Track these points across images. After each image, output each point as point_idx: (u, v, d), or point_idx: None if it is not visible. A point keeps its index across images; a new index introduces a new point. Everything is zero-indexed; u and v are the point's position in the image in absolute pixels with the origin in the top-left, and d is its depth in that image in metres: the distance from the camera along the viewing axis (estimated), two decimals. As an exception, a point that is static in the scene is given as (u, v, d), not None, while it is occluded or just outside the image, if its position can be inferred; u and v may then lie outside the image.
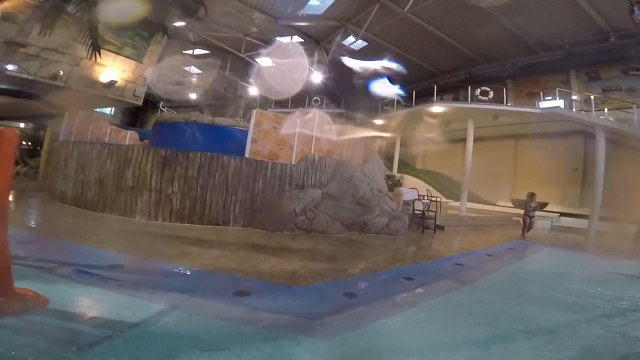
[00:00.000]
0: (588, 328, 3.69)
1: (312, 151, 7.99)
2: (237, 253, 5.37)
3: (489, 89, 16.60)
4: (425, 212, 9.94)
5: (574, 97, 16.30)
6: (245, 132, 7.54)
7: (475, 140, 17.43)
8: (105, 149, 7.47)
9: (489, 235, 10.99)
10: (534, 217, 10.34)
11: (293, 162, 7.69)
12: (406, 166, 24.73)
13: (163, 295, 3.46)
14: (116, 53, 12.60)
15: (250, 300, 3.62)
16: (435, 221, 9.80)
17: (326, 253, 5.87)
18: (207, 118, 9.05)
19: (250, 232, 6.85)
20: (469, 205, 17.19)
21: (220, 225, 7.04)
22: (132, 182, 7.11)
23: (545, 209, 16.15)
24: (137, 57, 13.10)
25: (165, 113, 11.89)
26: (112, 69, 12.76)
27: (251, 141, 7.40)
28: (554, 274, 6.27)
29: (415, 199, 10.42)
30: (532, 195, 10.59)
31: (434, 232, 9.69)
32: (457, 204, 18.23)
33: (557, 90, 16.13)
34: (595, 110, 14.88)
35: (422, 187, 17.59)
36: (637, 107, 13.79)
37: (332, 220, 7.59)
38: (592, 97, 14.88)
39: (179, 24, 15.55)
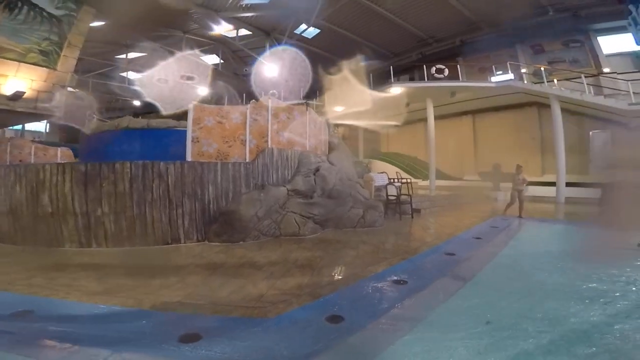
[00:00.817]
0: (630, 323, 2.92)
1: (270, 145, 6.84)
2: (186, 279, 4.16)
3: (444, 67, 16.18)
4: (400, 196, 9.14)
5: (523, 70, 16.22)
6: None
7: (436, 118, 17.05)
8: (10, 172, 5.89)
9: (465, 213, 10.41)
10: (523, 190, 9.32)
11: (247, 160, 6.50)
12: (372, 150, 24.14)
13: (76, 352, 2.31)
14: (19, 61, 10.59)
15: (201, 347, 2.59)
16: (411, 205, 9.01)
17: (299, 262, 4.80)
18: (140, 122, 7.61)
19: (205, 247, 5.64)
20: (437, 183, 16.83)
21: (169, 244, 5.76)
22: (51, 207, 5.64)
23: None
24: (48, 63, 11.14)
25: (92, 122, 10.17)
26: (16, 79, 10.73)
27: (192, 141, 6.14)
28: (557, 255, 5.60)
29: (387, 184, 9.59)
30: (519, 168, 9.41)
31: (412, 217, 8.92)
32: (425, 183, 17.86)
33: (508, 64, 16.05)
34: (547, 82, 14.83)
35: (391, 170, 16.97)
36: (585, 77, 13.93)
37: (303, 220, 6.53)
38: (542, 68, 14.84)
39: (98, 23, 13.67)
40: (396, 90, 16.35)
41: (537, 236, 7.14)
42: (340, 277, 4.23)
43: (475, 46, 19.66)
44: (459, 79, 18.00)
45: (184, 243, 5.80)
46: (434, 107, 16.85)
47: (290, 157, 7.16)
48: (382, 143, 25.72)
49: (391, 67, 16.84)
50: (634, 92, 12.97)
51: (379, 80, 17.55)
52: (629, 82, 12.93)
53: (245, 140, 6.55)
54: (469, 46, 19.76)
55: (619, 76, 14.23)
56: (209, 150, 6.24)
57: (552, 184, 15.58)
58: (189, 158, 6.08)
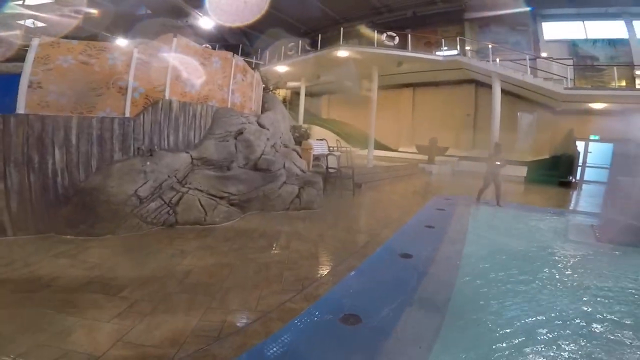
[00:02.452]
0: None
1: (168, 95, 4.58)
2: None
3: (395, 35, 14.57)
4: (341, 169, 7.58)
5: (468, 48, 15.33)
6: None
7: (378, 88, 15.68)
8: None
9: (407, 189, 9.31)
10: (499, 174, 7.31)
11: (128, 114, 4.21)
12: (312, 116, 22.27)
13: None
14: None
15: None
16: (353, 180, 7.51)
17: (190, 280, 2.92)
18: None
19: (46, 244, 3.43)
20: (375, 153, 15.78)
21: (-13, 237, 3.44)
22: None
23: (446, 154, 15.55)
24: None
25: None
26: None
27: (29, 86, 3.67)
28: (540, 246, 4.57)
29: (328, 154, 7.94)
30: (498, 147, 7.58)
31: (353, 193, 7.45)
32: (363, 152, 16.75)
33: (458, 39, 15.01)
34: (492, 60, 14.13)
35: (331, 137, 15.41)
36: (530, 59, 13.48)
37: (213, 202, 4.56)
38: (490, 45, 14.03)
39: None
40: (343, 53, 14.42)
41: (488, 221, 6.15)
42: (256, 312, 2.47)
43: (426, 20, 18.58)
44: (408, 49, 16.72)
45: (13, 236, 3.52)
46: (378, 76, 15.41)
47: (200, 113, 4.99)
48: (323, 109, 23.94)
49: (341, 28, 14.70)
50: (571, 78, 12.85)
51: (327, 44, 15.38)
52: (568, 67, 12.76)
53: (127, 88, 4.20)
54: (419, 19, 18.57)
55: (553, 62, 14.06)
56: (60, 101, 3.80)
57: (480, 159, 15.52)
58: (20, 110, 3.61)
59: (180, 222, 4.22)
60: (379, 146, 18.05)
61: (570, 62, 13.54)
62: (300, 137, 9.39)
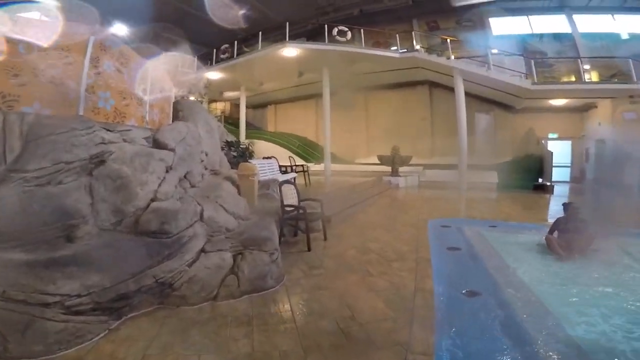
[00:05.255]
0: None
1: None
2: None
3: (346, 29, 12.56)
4: (303, 204, 4.97)
5: (418, 47, 13.82)
6: None
7: (330, 94, 13.59)
8: None
9: (388, 216, 6.99)
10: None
11: None
12: (256, 130, 19.52)
13: None
14: None
15: None
16: (323, 218, 4.92)
17: None
18: None
19: None
20: (332, 167, 13.52)
21: None
22: None
23: (410, 164, 13.68)
24: None
25: None
26: None
27: None
28: None
29: (282, 182, 5.25)
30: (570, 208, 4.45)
31: (325, 237, 4.86)
32: (318, 167, 14.40)
33: (413, 34, 13.44)
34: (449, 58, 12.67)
35: (281, 153, 12.76)
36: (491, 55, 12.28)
37: (19, 317, 1.71)
38: (448, 40, 12.60)
39: None
40: (290, 52, 12.04)
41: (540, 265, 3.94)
42: None
43: (374, 18, 17.03)
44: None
45: None
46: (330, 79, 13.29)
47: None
48: (269, 121, 21.27)
49: (287, 24, 12.30)
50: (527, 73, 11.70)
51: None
52: (532, 62, 11.66)
53: None
54: (367, 18, 17.01)
55: (506, 58, 12.98)
56: None
57: (442, 166, 14.01)
58: None
59: None
60: (334, 159, 15.88)
61: (527, 57, 12.54)
62: (240, 158, 6.63)
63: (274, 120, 20.99)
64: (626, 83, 10.65)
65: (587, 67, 12.96)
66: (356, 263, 3.93)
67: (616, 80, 11.19)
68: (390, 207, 8.23)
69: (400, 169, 13.20)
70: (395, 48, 12.96)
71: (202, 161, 4.60)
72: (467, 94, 12.14)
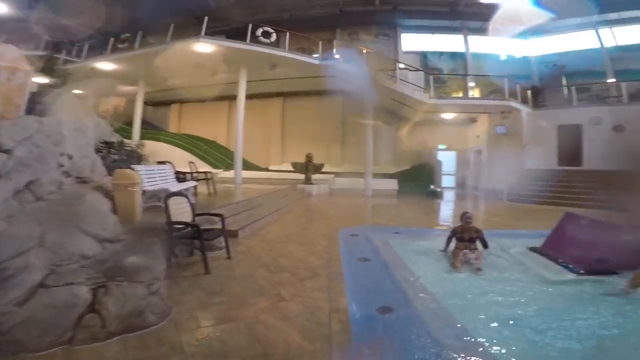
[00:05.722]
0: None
1: None
2: None
3: (272, 31, 12.07)
4: (193, 224, 4.27)
5: (336, 56, 14.18)
6: None
7: (245, 96, 12.87)
8: None
9: (302, 227, 6.70)
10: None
11: None
12: (155, 131, 17.43)
13: None
14: None
15: None
16: (225, 235, 4.31)
17: None
18: None
19: None
20: (243, 174, 12.78)
21: None
22: None
23: (323, 171, 13.81)
24: None
25: None
26: None
27: None
28: None
29: (170, 193, 4.42)
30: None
31: (229, 256, 4.24)
32: (228, 174, 13.50)
33: (335, 42, 13.60)
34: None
35: (182, 157, 11.52)
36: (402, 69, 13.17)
37: None
38: (365, 51, 13.19)
39: None
40: (204, 47, 10.96)
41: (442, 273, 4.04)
42: None
43: (301, 24, 16.62)
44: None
45: None
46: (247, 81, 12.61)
47: None
48: (172, 121, 19.27)
49: (205, 18, 11.15)
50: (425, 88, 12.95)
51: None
52: (431, 77, 12.98)
53: None
54: (295, 23, 16.58)
55: (410, 73, 14.20)
56: None
57: (351, 174, 14.53)
58: None
59: None
60: (246, 165, 15.08)
61: (427, 72, 13.92)
62: (124, 162, 5.52)
63: (177, 120, 19.12)
64: (500, 100, 12.57)
65: (472, 84, 15.08)
66: (267, 285, 3.46)
67: (492, 97, 13.13)
68: (304, 217, 7.98)
69: (313, 177, 13.22)
70: (317, 55, 13.04)
71: (60, 166, 3.57)
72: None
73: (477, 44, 16.49)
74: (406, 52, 16.27)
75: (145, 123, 16.01)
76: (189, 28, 11.63)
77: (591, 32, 15.02)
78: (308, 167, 12.84)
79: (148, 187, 4.85)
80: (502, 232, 5.97)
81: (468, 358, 2.17)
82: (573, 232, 4.43)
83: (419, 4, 15.73)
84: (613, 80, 13.41)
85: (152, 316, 2.49)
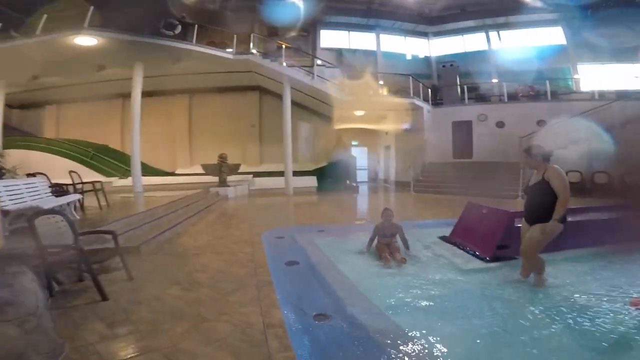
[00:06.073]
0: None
1: None
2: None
3: (177, 22, 10.81)
4: (75, 246, 3.42)
5: (254, 51, 13.59)
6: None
7: (144, 93, 11.45)
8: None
9: (218, 235, 6.10)
10: None
11: None
12: (24, 137, 14.36)
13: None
14: None
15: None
16: (120, 255, 3.55)
17: None
18: None
19: None
20: (145, 180, 11.40)
21: None
22: None
23: (238, 172, 13.09)
24: None
25: None
26: None
27: None
28: None
29: (37, 211, 3.43)
30: None
31: (130, 277, 3.51)
32: (126, 182, 11.94)
33: (252, 36, 12.78)
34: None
35: (63, 167, 9.60)
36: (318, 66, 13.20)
37: None
38: (284, 46, 12.80)
39: None
40: (87, 40, 9.21)
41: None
42: None
43: (218, 18, 15.34)
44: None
45: None
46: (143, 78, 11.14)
47: None
48: (48, 125, 16.09)
49: (91, 7, 9.28)
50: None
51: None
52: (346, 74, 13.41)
53: None
54: (211, 16, 15.21)
55: (326, 69, 14.40)
56: None
57: (271, 174, 14.24)
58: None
59: None
60: (149, 171, 13.46)
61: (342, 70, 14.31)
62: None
63: (55, 124, 16.05)
64: (405, 97, 13.61)
65: (381, 82, 16.06)
66: (183, 305, 2.93)
67: (398, 95, 14.19)
68: (220, 223, 7.34)
69: (229, 178, 12.43)
70: (231, 50, 12.22)
71: None
72: (292, 102, 12.68)
73: (388, 43, 17.57)
74: (324, 49, 16.51)
75: (10, 129, 13.03)
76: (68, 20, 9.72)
77: (482, 35, 17.19)
78: (222, 169, 11.99)
79: (11, 206, 3.75)
80: (415, 223, 6.29)
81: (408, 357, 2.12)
82: (475, 220, 4.71)
83: (338, 0, 16.01)
84: (496, 80, 15.69)
85: (37, 357, 1.92)
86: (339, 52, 16.78)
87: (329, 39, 17.07)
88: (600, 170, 10.33)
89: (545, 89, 13.36)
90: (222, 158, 12.17)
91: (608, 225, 4.00)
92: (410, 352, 2.17)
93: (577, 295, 3.07)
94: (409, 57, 17.85)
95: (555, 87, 13.86)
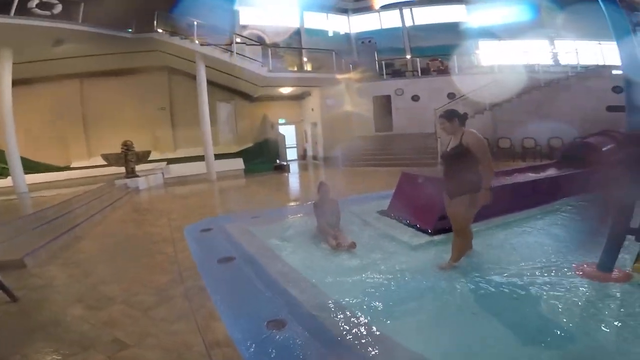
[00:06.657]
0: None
1: None
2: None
3: (56, 2, 8.63)
4: None
5: (160, 30, 11.67)
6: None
7: (18, 83, 9.27)
8: None
9: (133, 231, 5.18)
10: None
11: None
12: None
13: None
14: None
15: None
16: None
17: None
18: None
19: None
20: (30, 179, 9.47)
21: None
22: None
23: (149, 160, 11.57)
24: None
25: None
26: None
27: None
28: None
29: None
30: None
31: (13, 299, 2.65)
32: (3, 182, 9.83)
33: (156, 14, 10.87)
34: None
35: None
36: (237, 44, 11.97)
37: None
38: (195, 22, 11.19)
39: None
40: None
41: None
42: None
43: None
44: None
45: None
46: (20, 63, 9.05)
47: None
48: None
49: None
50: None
51: None
52: (269, 51, 12.55)
53: None
54: None
55: (247, 47, 13.29)
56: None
57: (189, 159, 13.00)
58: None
59: None
60: (35, 167, 11.17)
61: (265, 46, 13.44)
62: None
63: None
64: (328, 74, 13.44)
65: (305, 59, 15.55)
66: (91, 329, 2.30)
67: (322, 71, 13.89)
68: (132, 220, 6.33)
69: (139, 168, 10.90)
70: (130, 30, 10.29)
71: None
72: (209, 82, 11.52)
73: (311, 20, 17.03)
74: (243, 26, 15.23)
75: None
76: None
77: (396, 12, 17.59)
78: (128, 157, 10.42)
79: None
80: (350, 198, 6.09)
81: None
82: (412, 192, 4.50)
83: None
84: (409, 56, 16.39)
85: None
86: (260, 30, 15.69)
87: (248, 15, 15.82)
88: (503, 136, 11.79)
89: (453, 64, 14.41)
90: (127, 145, 10.56)
91: (537, 185, 4.24)
92: (386, 351, 1.95)
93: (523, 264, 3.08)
94: (330, 34, 17.66)
95: (460, 62, 15.00)
